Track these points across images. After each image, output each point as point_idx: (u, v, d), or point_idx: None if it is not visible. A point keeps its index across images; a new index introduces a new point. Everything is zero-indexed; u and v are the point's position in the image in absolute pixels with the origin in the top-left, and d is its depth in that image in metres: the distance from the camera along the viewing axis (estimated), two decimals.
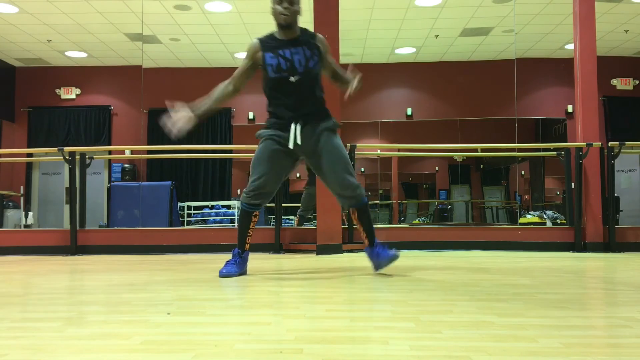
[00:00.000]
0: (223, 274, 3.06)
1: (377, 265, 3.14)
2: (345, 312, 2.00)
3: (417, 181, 11.23)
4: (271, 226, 5.42)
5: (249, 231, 3.17)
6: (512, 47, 8.89)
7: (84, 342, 1.50)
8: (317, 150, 3.06)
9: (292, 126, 3.01)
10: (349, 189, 3.04)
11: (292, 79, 3.00)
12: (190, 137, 10.45)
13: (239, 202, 3.33)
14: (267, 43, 3.08)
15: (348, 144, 5.16)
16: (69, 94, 10.26)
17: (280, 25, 3.05)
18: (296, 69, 3.01)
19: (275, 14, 3.04)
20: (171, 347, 1.44)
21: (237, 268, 3.12)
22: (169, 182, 7.91)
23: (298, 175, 10.54)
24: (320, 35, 3.17)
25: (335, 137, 3.11)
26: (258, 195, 3.09)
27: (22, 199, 9.69)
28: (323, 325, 1.70)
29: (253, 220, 3.17)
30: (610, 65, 9.46)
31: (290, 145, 3.01)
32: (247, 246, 3.20)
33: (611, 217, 5.23)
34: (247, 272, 3.23)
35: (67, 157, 5.43)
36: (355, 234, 5.37)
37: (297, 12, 3.06)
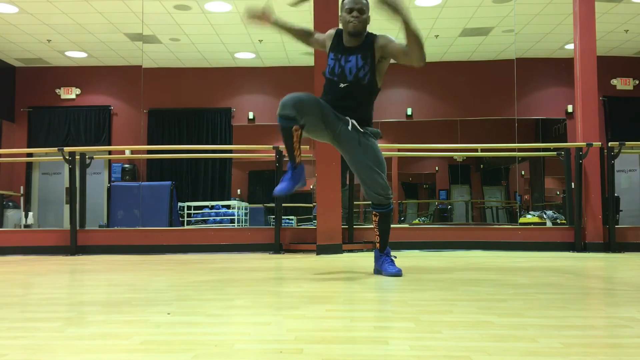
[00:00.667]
0: (278, 192, 2.99)
1: (378, 272, 3.16)
2: (345, 312, 2.00)
3: (417, 181, 11.23)
4: (271, 226, 5.42)
5: (295, 144, 2.99)
6: (512, 47, 8.88)
7: (84, 342, 1.50)
8: (356, 143, 3.04)
9: (349, 120, 3.02)
10: (382, 187, 3.04)
11: (341, 85, 3.03)
12: (190, 137, 10.47)
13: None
14: (337, 40, 3.12)
15: None
16: (69, 94, 10.26)
17: (349, 34, 3.05)
18: (346, 77, 3.02)
19: (344, 22, 3.04)
20: (171, 347, 1.44)
21: (292, 182, 3.03)
22: (169, 182, 7.91)
23: None
24: (380, 36, 3.06)
25: (376, 141, 3.11)
26: (294, 106, 2.88)
27: (22, 199, 9.69)
28: (323, 325, 1.70)
29: (295, 135, 2.96)
30: (610, 65, 9.46)
31: (349, 127, 3.00)
32: (298, 159, 3.05)
33: (611, 217, 5.23)
34: (306, 182, 3.19)
35: (67, 157, 5.43)
36: (355, 234, 5.38)
37: (366, 21, 3.05)
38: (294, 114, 2.91)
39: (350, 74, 3.02)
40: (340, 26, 3.12)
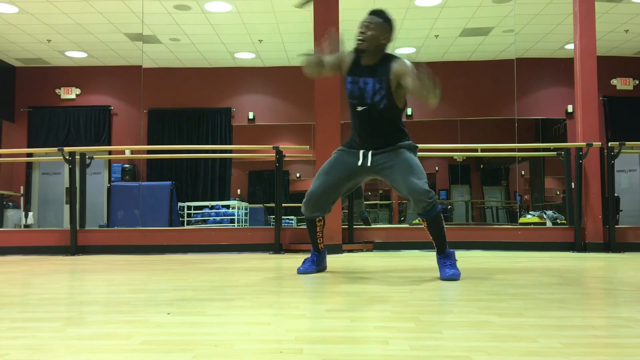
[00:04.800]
0: (300, 272, 3.19)
1: (441, 276, 2.99)
2: (345, 312, 1.99)
3: None
4: (271, 226, 5.42)
5: (318, 234, 3.26)
6: (512, 47, 8.88)
7: (84, 342, 1.50)
8: (387, 164, 2.99)
9: (361, 152, 3.02)
10: (418, 193, 2.87)
11: (359, 108, 3.00)
12: (190, 137, 10.47)
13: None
14: (354, 62, 3.04)
15: None
16: (69, 94, 10.26)
17: (356, 50, 3.01)
18: (365, 100, 2.98)
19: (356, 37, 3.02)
20: (171, 347, 1.44)
21: (315, 266, 3.26)
22: (169, 182, 7.90)
23: (298, 175, 10.54)
24: (400, 60, 2.97)
25: (409, 152, 3.01)
26: (311, 207, 3.15)
27: (22, 199, 9.69)
28: (323, 325, 1.70)
29: (318, 225, 3.25)
30: (610, 65, 9.45)
31: (359, 162, 3.01)
32: (320, 246, 3.30)
33: (611, 217, 5.23)
34: (327, 268, 3.38)
35: (67, 157, 5.43)
36: (355, 234, 5.38)
37: (374, 38, 2.94)
38: (317, 214, 3.18)
39: (367, 97, 2.97)
40: None
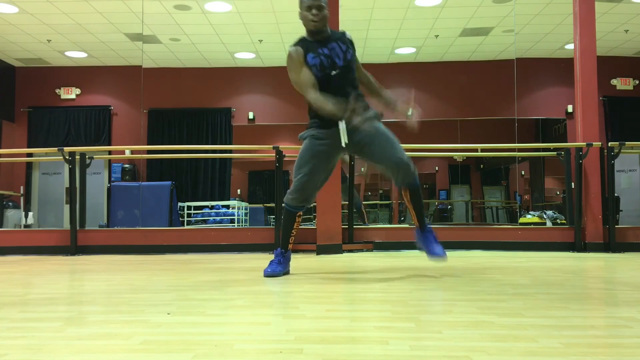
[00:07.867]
0: (268, 274, 3.09)
1: (426, 252, 3.11)
2: (345, 312, 1.99)
3: None
4: (271, 226, 5.42)
5: (293, 231, 3.20)
6: (512, 47, 8.88)
7: (84, 342, 1.50)
8: (363, 139, 3.00)
9: (340, 125, 2.95)
10: (404, 164, 2.98)
11: (334, 72, 3.00)
12: (190, 137, 10.47)
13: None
14: (306, 44, 3.05)
15: None
16: (69, 94, 10.26)
17: (310, 32, 3.04)
18: (336, 63, 3.00)
19: (305, 20, 3.01)
20: (171, 347, 1.44)
21: (282, 267, 3.17)
22: (169, 182, 7.91)
23: None
24: (348, 33, 3.17)
25: (379, 123, 3.07)
26: (302, 198, 3.09)
27: (22, 199, 9.69)
28: (323, 325, 1.70)
29: (297, 221, 3.19)
30: (610, 65, 9.45)
31: (343, 144, 2.96)
32: (290, 246, 3.22)
33: (611, 217, 5.23)
34: (290, 271, 3.28)
35: (67, 157, 5.43)
36: (355, 234, 5.38)
37: (326, 17, 3.03)
38: (304, 205, 3.13)
39: (339, 59, 3.02)
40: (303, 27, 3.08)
